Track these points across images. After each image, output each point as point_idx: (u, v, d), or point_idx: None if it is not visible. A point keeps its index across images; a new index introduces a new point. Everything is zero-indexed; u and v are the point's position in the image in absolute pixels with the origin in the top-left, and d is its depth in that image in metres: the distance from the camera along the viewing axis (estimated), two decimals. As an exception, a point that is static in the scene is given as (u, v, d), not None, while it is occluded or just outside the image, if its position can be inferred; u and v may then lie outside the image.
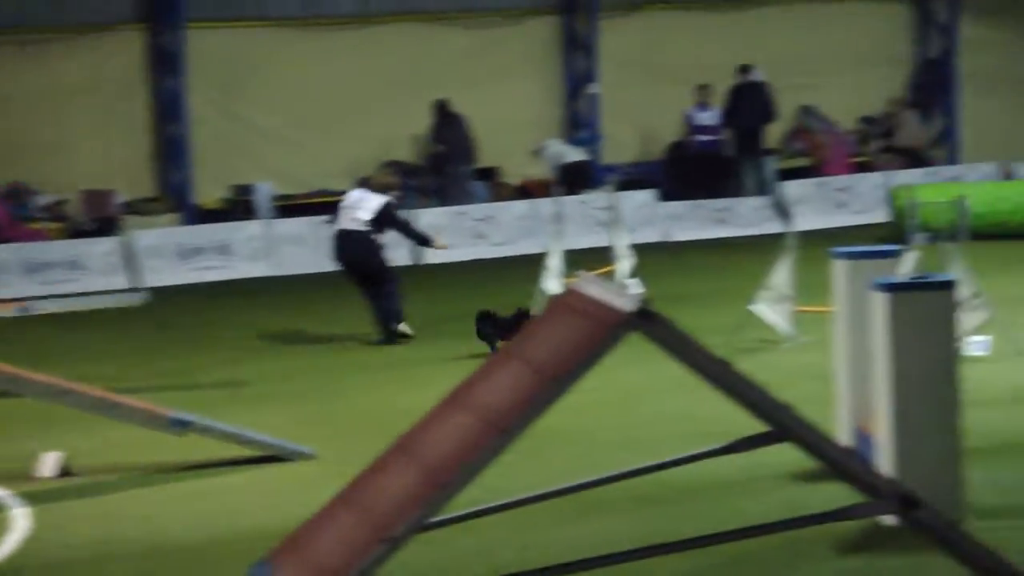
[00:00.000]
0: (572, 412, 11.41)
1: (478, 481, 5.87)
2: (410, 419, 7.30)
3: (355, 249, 15.40)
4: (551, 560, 6.40)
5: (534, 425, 5.73)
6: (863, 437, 9.70)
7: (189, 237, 20.88)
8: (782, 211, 22.36)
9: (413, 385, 13.19)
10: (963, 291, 12.84)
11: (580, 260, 17.13)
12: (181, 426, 10.51)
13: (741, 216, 23.03)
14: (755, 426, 7.23)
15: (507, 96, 23.73)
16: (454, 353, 14.59)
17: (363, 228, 15.34)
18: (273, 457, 10.72)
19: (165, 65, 22.23)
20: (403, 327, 15.53)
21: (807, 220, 21.96)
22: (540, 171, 23.82)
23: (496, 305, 14.67)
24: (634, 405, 12.28)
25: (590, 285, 5.50)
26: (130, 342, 16.53)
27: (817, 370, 12.63)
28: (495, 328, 14.11)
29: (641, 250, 19.21)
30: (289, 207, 22.46)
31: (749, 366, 12.73)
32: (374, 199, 15.52)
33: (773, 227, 22.25)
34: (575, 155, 23.18)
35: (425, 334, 16.00)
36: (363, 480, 5.50)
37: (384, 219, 15.45)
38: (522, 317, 14.04)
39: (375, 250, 15.47)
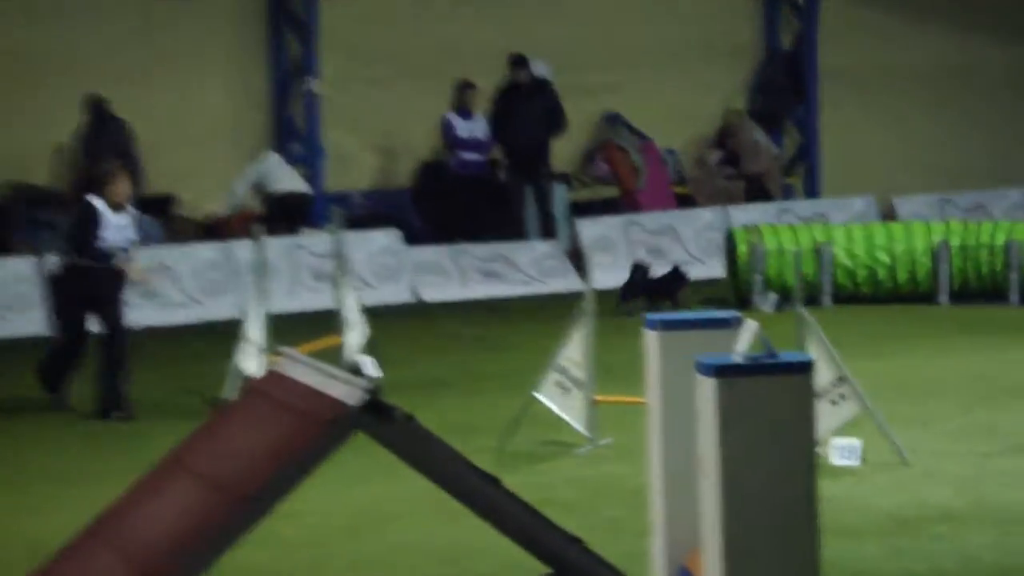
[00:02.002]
0: (274, 545, 11.40)
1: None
2: (39, 554, 7.20)
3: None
4: None
5: (219, 566, 5.66)
6: (687, 580, 9.86)
7: None
8: (578, 260, 22.66)
9: (42, 506, 13.00)
10: (824, 376, 13.15)
11: (292, 329, 17.13)
12: None
13: (520, 267, 23.26)
14: (534, 565, 7.25)
15: (187, 96, 23.62)
16: (105, 462, 14.42)
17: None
18: None
19: None
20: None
21: (612, 274, 22.28)
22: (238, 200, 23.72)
23: (182, 389, 14.47)
24: (370, 534, 12.27)
25: (299, 367, 5.50)
26: None
27: (624, 485, 12.82)
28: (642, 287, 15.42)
29: (381, 314, 19.28)
30: None
31: (527, 479, 12.93)
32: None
33: (565, 283, 22.53)
34: (291, 182, 23.16)
35: (67, 437, 15.79)
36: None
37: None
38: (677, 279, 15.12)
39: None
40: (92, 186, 16.32)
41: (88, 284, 16.17)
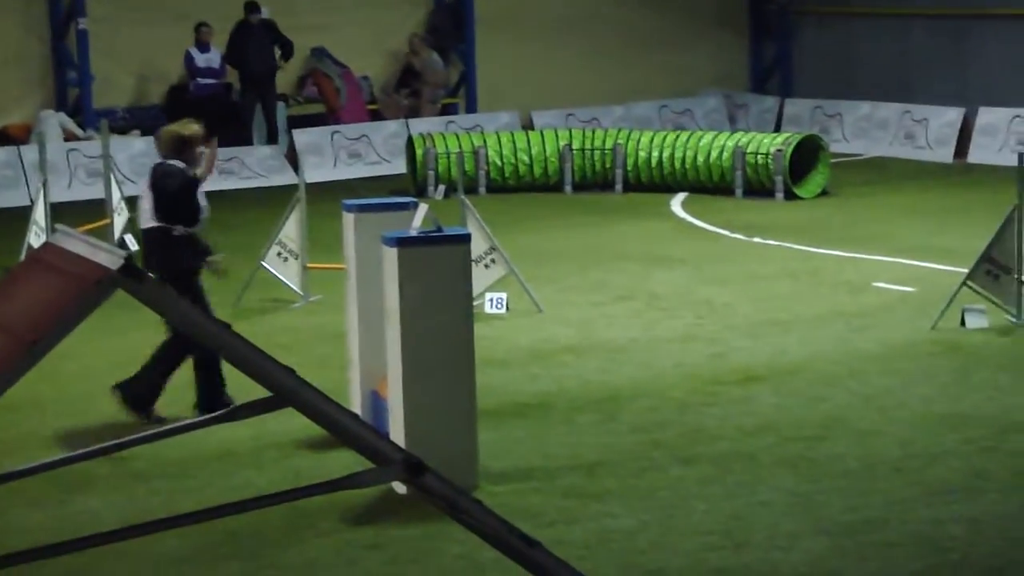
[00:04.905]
0: (57, 380, 11.18)
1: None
2: None
3: (149, 254, 10.91)
4: (28, 544, 6.22)
5: (10, 395, 5.54)
6: (377, 401, 9.87)
7: None
8: (294, 161, 22.43)
9: None
10: (479, 246, 13.24)
11: (71, 214, 16.74)
12: None
13: (249, 167, 22.97)
14: (261, 392, 7.24)
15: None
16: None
17: (149, 223, 10.83)
18: None
19: None
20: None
21: (320, 171, 22.14)
22: (24, 115, 23.05)
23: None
24: (130, 372, 12.06)
25: (69, 240, 5.34)
26: None
27: (330, 331, 12.79)
28: None
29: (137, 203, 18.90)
30: None
31: (256, 327, 12.85)
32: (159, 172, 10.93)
33: (284, 178, 22.32)
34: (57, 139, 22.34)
35: None
36: None
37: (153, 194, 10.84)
38: None
39: (171, 252, 10.74)
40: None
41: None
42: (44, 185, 15.59)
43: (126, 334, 12.75)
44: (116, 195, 16.40)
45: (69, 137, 22.24)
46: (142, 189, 11.20)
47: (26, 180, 20.95)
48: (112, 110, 23.37)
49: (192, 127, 11.01)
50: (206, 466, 9.59)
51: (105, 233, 15.95)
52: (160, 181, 10.83)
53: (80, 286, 4.83)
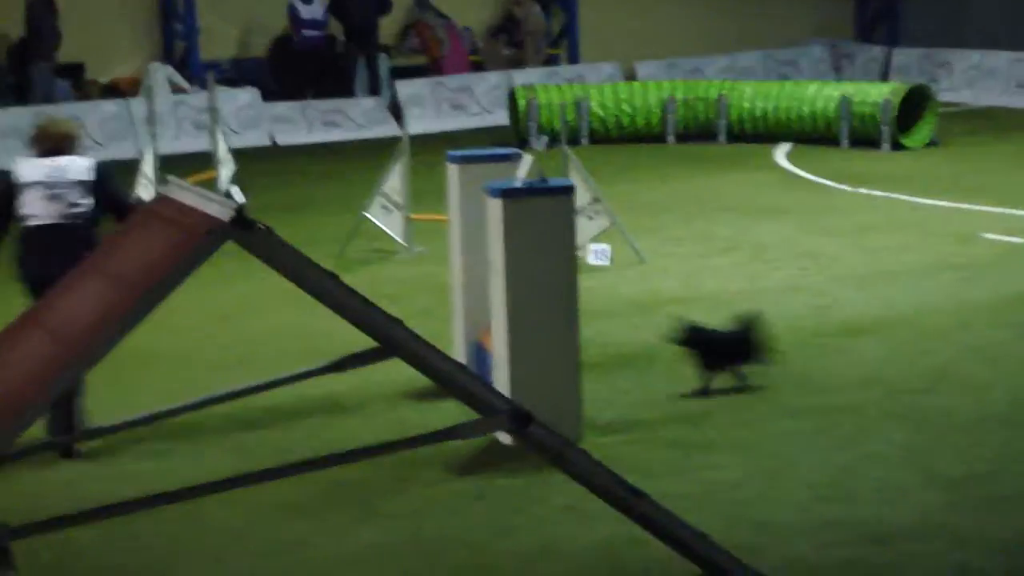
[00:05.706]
0: (168, 332, 11.30)
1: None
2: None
3: (65, 249, 9.14)
4: (140, 492, 6.32)
5: (122, 346, 5.62)
6: (481, 352, 9.89)
7: None
8: (397, 112, 22.50)
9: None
10: (582, 197, 13.20)
11: (178, 165, 16.89)
12: None
13: (353, 118, 23.05)
14: (368, 343, 7.28)
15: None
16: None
17: (79, 217, 9.58)
18: None
19: None
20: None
21: (422, 123, 22.17)
22: (132, 68, 23.26)
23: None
24: (238, 322, 12.18)
25: (181, 192, 5.40)
26: None
27: (433, 282, 12.83)
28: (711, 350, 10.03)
29: (245, 155, 19.05)
30: None
31: (360, 278, 12.93)
32: (81, 163, 10.06)
33: (387, 130, 22.38)
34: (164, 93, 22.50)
35: None
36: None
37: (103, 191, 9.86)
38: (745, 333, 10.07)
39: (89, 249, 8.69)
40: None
41: None
42: (152, 138, 15.73)
43: (235, 283, 12.86)
44: (222, 147, 16.51)
45: (176, 90, 22.42)
46: (45, 178, 9.89)
47: (135, 132, 21.17)
48: (216, 63, 23.54)
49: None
50: (313, 417, 9.66)
51: (211, 185, 16.08)
52: (112, 176, 10.08)
53: (192, 236, 4.89)
